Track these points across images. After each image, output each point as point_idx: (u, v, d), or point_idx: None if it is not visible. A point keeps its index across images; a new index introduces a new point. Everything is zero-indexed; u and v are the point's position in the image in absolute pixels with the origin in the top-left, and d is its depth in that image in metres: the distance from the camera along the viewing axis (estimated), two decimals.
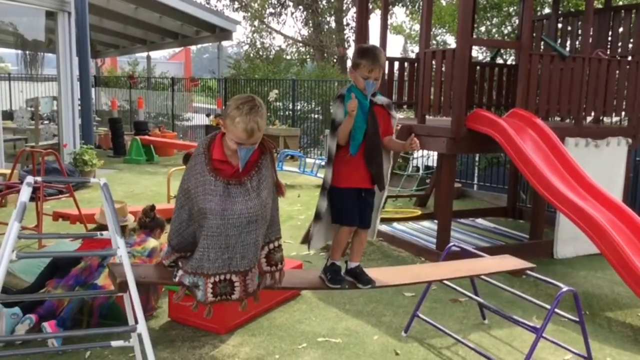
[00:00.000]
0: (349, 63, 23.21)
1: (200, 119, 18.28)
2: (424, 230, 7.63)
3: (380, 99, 3.44)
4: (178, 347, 4.23)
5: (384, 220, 8.05)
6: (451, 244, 4.74)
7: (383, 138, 3.44)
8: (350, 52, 20.53)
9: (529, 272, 4.09)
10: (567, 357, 4.27)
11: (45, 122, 13.90)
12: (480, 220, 8.44)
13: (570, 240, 6.64)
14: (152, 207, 5.04)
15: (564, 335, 4.52)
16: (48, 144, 10.88)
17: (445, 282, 4.52)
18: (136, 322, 2.86)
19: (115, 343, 3.22)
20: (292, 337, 4.48)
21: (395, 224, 7.93)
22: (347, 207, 3.42)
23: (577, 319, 3.86)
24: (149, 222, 4.94)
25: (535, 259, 4.51)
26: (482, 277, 4.51)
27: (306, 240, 7.22)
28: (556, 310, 3.82)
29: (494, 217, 8.61)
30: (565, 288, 3.75)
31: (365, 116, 3.29)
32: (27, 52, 19.32)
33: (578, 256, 6.76)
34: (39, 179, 2.96)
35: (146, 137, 14.23)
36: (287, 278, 3.48)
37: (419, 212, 8.62)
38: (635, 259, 4.95)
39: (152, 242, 4.78)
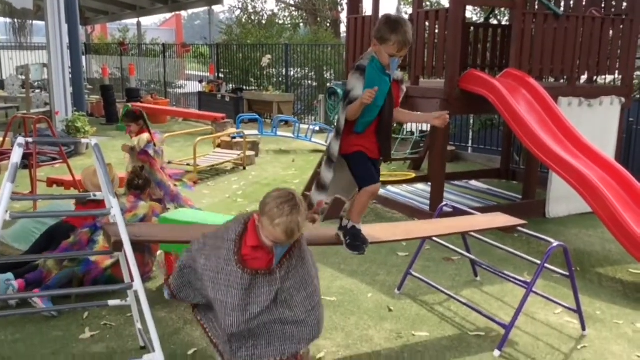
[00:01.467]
0: (342, 27, 22.89)
1: (193, 86, 18.12)
2: (418, 193, 7.67)
3: (397, 74, 3.26)
4: (175, 307, 4.29)
5: None
6: (444, 203, 4.77)
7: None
8: (344, 15, 20.22)
9: (520, 228, 4.14)
10: (558, 311, 4.36)
11: (37, 90, 13.77)
12: (473, 182, 8.49)
13: (562, 199, 6.70)
14: (142, 167, 5.01)
15: (555, 290, 4.60)
16: (40, 112, 10.79)
17: (438, 240, 4.57)
18: (132, 280, 2.89)
19: (112, 302, 3.27)
20: None
21: (389, 187, 7.96)
22: (365, 168, 3.29)
23: (568, 274, 3.92)
24: (141, 183, 4.88)
25: (527, 218, 4.55)
26: (474, 235, 4.56)
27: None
28: (547, 265, 3.88)
29: (488, 178, 8.66)
30: (555, 243, 3.81)
31: (384, 96, 3.11)
32: (16, 20, 19.01)
33: (570, 215, 6.83)
34: (30, 140, 2.95)
35: (138, 104, 14.13)
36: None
37: (412, 174, 8.66)
38: (627, 216, 5.00)
39: (142, 208, 4.72)
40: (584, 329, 4.05)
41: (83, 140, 3.01)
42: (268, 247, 2.45)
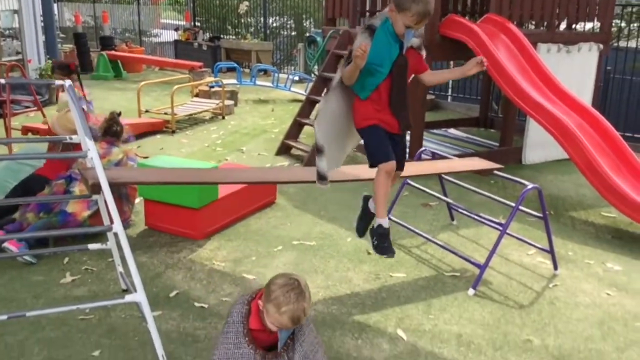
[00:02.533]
0: None
1: (169, 35, 17.68)
2: None
3: (413, 41, 2.89)
4: (156, 252, 4.32)
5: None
6: (422, 149, 4.81)
7: (419, 75, 3.04)
8: None
9: (496, 172, 4.20)
10: (531, 252, 4.48)
11: (8, 38, 13.35)
12: (452, 131, 8.54)
13: (538, 146, 6.79)
14: (119, 114, 4.91)
15: (529, 233, 4.71)
16: (12, 60, 10.49)
17: (416, 185, 4.63)
18: (112, 222, 2.89)
19: (92, 246, 3.26)
20: (268, 241, 4.59)
21: None
22: (378, 143, 2.96)
23: (541, 215, 4.01)
24: (119, 129, 4.78)
25: (504, 165, 4.60)
26: (451, 179, 4.63)
27: (280, 152, 7.28)
28: (521, 207, 3.96)
29: (466, 127, 8.71)
30: (530, 185, 3.88)
31: (391, 62, 2.82)
32: None
33: (546, 162, 6.94)
34: (2, 81, 2.89)
35: (113, 52, 13.81)
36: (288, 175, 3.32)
37: None
38: (602, 161, 5.10)
39: (116, 154, 4.64)
40: (556, 268, 4.18)
41: (57, 82, 2.95)
42: (270, 330, 2.40)
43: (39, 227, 4.21)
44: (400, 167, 3.10)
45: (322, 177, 3.14)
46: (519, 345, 3.27)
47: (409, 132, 7.51)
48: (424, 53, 3.02)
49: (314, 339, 2.53)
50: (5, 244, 3.96)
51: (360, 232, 3.43)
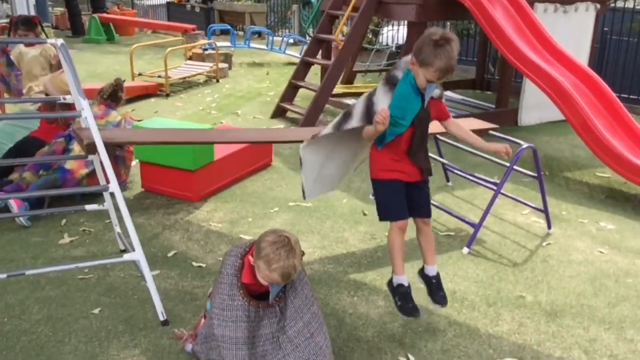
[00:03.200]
0: None
1: None
2: None
3: (435, 92, 2.77)
4: (153, 214, 4.34)
5: (353, 95, 8.06)
6: None
7: (443, 122, 2.93)
8: None
9: (491, 132, 4.20)
10: (525, 212, 4.52)
11: None
12: (448, 93, 8.48)
13: (534, 107, 6.78)
14: (124, 80, 4.89)
15: (523, 193, 4.75)
16: (2, 22, 10.30)
17: None
18: (108, 182, 2.90)
19: (89, 207, 3.29)
20: (264, 202, 4.62)
21: None
22: (392, 199, 2.82)
23: (536, 175, 4.03)
24: (121, 96, 4.78)
25: (500, 126, 4.61)
26: (447, 140, 4.63)
27: (276, 115, 7.25)
28: (516, 167, 3.98)
29: (462, 89, 8.68)
30: (525, 145, 3.89)
31: (412, 117, 2.69)
32: None
33: (542, 123, 6.94)
34: None
35: (105, 15, 13.59)
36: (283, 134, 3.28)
37: None
38: (597, 122, 5.10)
39: (115, 116, 4.65)
40: (549, 227, 4.22)
41: (49, 41, 2.91)
42: (261, 283, 2.43)
43: (41, 185, 4.23)
44: (427, 213, 2.94)
45: (304, 192, 3.18)
46: (511, 302, 3.33)
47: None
48: (444, 101, 2.90)
49: (307, 292, 2.56)
50: (10, 201, 3.97)
51: (416, 314, 2.89)
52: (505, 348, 2.91)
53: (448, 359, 2.83)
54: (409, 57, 2.68)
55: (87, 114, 2.86)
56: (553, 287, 3.50)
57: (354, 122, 2.79)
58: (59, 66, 4.87)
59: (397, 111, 2.66)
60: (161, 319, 3.00)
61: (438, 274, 3.01)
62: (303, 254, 2.57)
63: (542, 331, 3.07)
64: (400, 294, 2.88)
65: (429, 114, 2.77)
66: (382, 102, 2.68)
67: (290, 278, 2.38)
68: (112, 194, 3.03)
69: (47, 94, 4.52)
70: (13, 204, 3.98)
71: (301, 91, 7.47)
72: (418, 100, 2.68)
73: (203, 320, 2.72)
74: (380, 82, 2.81)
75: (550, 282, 3.56)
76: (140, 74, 8.66)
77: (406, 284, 2.89)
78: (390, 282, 2.97)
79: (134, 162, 4.94)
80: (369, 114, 2.73)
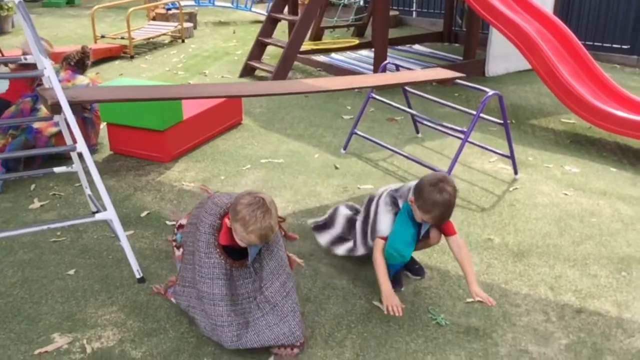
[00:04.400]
0: None
1: None
2: (362, 59, 7.64)
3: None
4: (123, 176, 4.31)
5: (322, 52, 8.00)
6: (386, 61, 4.80)
7: (445, 236, 2.84)
8: None
9: (458, 81, 4.24)
10: (493, 159, 4.61)
11: None
12: (416, 46, 8.50)
13: (501, 57, 6.83)
14: (90, 48, 4.81)
15: (491, 141, 4.83)
16: None
17: (381, 99, 4.65)
18: (74, 142, 2.87)
19: (58, 169, 3.24)
20: (235, 160, 4.62)
21: (333, 55, 7.90)
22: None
23: (502, 122, 4.10)
24: (89, 63, 4.71)
25: (467, 77, 4.64)
26: (416, 92, 4.66)
27: (244, 74, 7.18)
28: (482, 115, 4.04)
29: (430, 42, 8.68)
30: (490, 92, 3.94)
31: (412, 249, 2.79)
32: None
33: (508, 73, 7.02)
34: None
35: None
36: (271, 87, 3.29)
37: (356, 41, 8.56)
38: (562, 69, 5.17)
39: (81, 79, 4.59)
40: (516, 173, 4.32)
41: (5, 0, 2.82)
42: (238, 244, 2.44)
43: (16, 146, 4.17)
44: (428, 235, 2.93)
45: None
46: (480, 244, 3.43)
47: (372, 49, 7.48)
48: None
49: (282, 254, 2.59)
50: None
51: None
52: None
53: (420, 300, 2.92)
54: (412, 185, 2.73)
55: (49, 72, 2.80)
56: (520, 229, 3.61)
57: (360, 249, 3.03)
58: None
59: (398, 244, 2.72)
60: (137, 276, 3.02)
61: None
62: (283, 220, 2.62)
63: (509, 271, 3.19)
64: (396, 279, 2.99)
65: (428, 236, 2.90)
66: (385, 223, 2.77)
67: (268, 239, 2.38)
68: (80, 155, 3.01)
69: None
70: None
71: (269, 49, 7.39)
72: (416, 230, 2.76)
73: (177, 252, 2.78)
74: (383, 199, 2.84)
75: (517, 224, 3.67)
76: (102, 37, 8.45)
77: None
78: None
79: (102, 125, 4.88)
80: (372, 230, 2.89)
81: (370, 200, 3.02)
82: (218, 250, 2.46)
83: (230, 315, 2.46)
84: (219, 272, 2.46)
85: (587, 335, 2.70)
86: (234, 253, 2.50)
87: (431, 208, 2.58)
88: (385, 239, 2.76)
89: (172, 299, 2.77)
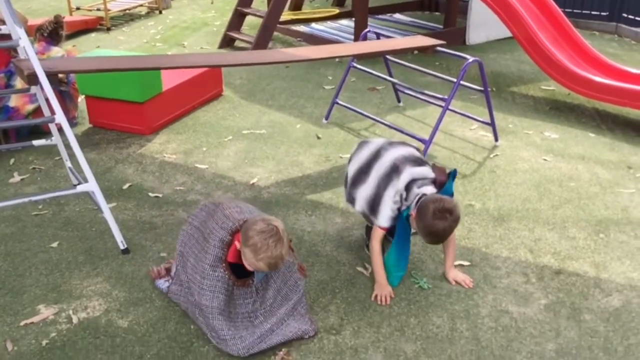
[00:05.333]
0: None
1: None
2: (343, 29, 7.59)
3: None
4: (104, 149, 4.27)
5: (302, 22, 7.92)
6: (367, 29, 4.77)
7: None
8: None
9: (439, 48, 4.24)
10: (474, 127, 4.65)
11: None
12: (397, 15, 8.45)
13: (481, 25, 6.83)
14: (63, 17, 4.70)
15: (472, 109, 4.86)
16: None
17: (362, 68, 4.63)
18: (53, 113, 2.83)
19: (37, 142, 3.19)
20: (217, 132, 4.59)
21: (313, 24, 7.83)
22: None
23: (482, 89, 4.12)
24: (62, 34, 4.60)
25: (448, 46, 4.64)
26: (397, 61, 4.65)
27: (223, 45, 7.09)
28: (463, 82, 4.06)
29: (411, 11, 8.63)
30: (471, 59, 3.95)
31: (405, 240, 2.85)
32: None
33: (489, 41, 7.03)
34: None
35: None
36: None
37: (336, 10, 8.49)
38: (542, 35, 5.20)
39: (56, 51, 4.50)
40: (496, 140, 4.37)
41: None
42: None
43: None
44: None
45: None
46: (461, 210, 3.47)
47: (352, 18, 7.42)
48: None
49: (292, 274, 2.57)
50: None
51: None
52: (456, 252, 3.06)
53: None
54: (421, 192, 2.67)
55: (24, 42, 2.75)
56: (500, 194, 3.67)
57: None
58: None
59: (401, 262, 2.83)
60: (121, 247, 3.02)
61: None
62: (291, 240, 2.56)
63: (490, 235, 3.24)
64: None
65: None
66: (385, 214, 2.75)
67: (277, 267, 2.35)
68: (60, 130, 2.97)
69: None
70: None
71: (249, 19, 7.30)
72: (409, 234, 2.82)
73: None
74: (390, 194, 2.75)
75: (497, 190, 3.72)
76: (78, 9, 8.27)
77: None
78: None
79: (80, 98, 4.81)
80: (370, 211, 2.83)
81: (375, 156, 2.88)
82: (224, 265, 2.41)
83: (231, 329, 2.42)
84: (221, 287, 2.41)
85: (566, 295, 2.77)
86: (239, 270, 2.45)
87: (428, 235, 2.60)
88: (385, 229, 2.77)
89: (171, 297, 2.71)
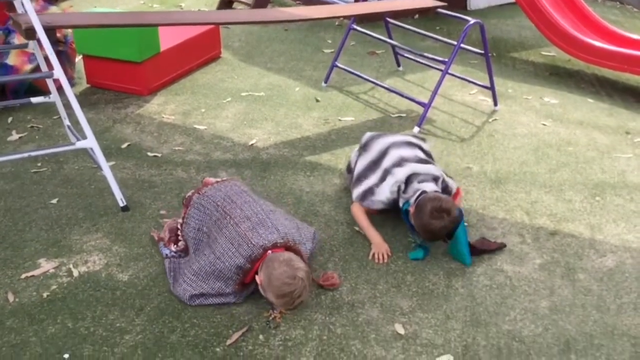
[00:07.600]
0: None
1: None
2: None
3: None
4: (102, 109, 4.26)
5: None
6: None
7: None
8: None
9: (440, 10, 4.20)
10: (473, 91, 4.63)
11: None
12: None
13: None
14: None
15: (471, 74, 4.83)
16: None
17: (362, 30, 4.59)
18: (51, 68, 2.81)
19: (35, 99, 3.18)
20: (216, 94, 4.57)
21: None
22: None
23: (483, 52, 4.09)
24: None
25: (449, 9, 4.58)
26: (398, 24, 4.61)
27: (221, 6, 7.01)
28: (463, 45, 4.03)
29: None
30: (472, 21, 3.92)
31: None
32: None
33: (490, 6, 6.95)
34: None
35: None
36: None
37: None
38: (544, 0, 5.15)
39: (54, 10, 4.48)
40: (495, 104, 4.36)
41: None
42: None
43: None
44: None
45: None
46: (459, 173, 3.49)
47: None
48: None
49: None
50: None
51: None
52: None
53: (401, 225, 2.99)
54: (420, 188, 2.76)
55: None
56: (498, 157, 3.68)
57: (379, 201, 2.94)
58: None
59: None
60: (121, 205, 3.04)
61: None
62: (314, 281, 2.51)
63: (487, 197, 3.26)
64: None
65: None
66: (383, 192, 2.87)
67: (295, 309, 2.38)
68: (58, 88, 2.95)
69: None
70: None
71: None
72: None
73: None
74: (391, 180, 2.85)
75: (495, 153, 3.73)
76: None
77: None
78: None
79: (78, 58, 4.77)
80: (369, 192, 2.94)
81: (384, 154, 3.00)
82: (237, 287, 2.41)
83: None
84: (231, 298, 2.44)
85: (561, 255, 2.80)
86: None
87: (424, 233, 2.68)
88: (374, 212, 2.92)
89: (164, 252, 2.70)
